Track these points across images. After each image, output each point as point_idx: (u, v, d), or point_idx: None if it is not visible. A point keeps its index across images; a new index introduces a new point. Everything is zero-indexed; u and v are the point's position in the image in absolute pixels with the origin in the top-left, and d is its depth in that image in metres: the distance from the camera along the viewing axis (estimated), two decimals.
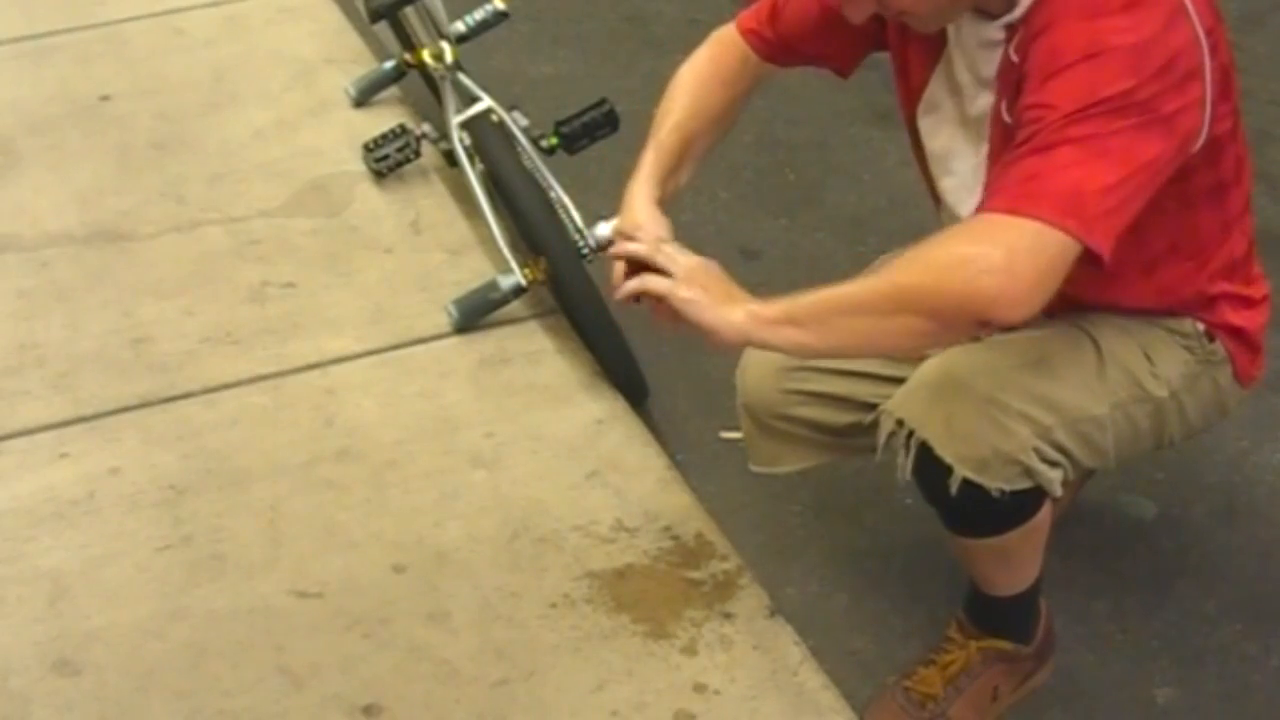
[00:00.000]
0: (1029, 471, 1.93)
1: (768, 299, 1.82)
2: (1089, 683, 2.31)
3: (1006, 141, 1.81)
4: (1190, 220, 1.95)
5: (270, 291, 3.01)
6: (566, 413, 2.71)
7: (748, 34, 2.15)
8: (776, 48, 2.14)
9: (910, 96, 2.05)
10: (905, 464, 1.99)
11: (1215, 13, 1.83)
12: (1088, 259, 1.72)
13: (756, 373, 2.21)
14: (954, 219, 2.00)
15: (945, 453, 1.93)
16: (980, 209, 1.74)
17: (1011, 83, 1.83)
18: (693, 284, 1.86)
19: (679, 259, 1.91)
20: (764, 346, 1.86)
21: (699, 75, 2.15)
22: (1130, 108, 1.71)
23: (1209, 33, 1.79)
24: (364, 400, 2.75)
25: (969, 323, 1.72)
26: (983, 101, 1.93)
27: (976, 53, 1.90)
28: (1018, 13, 1.82)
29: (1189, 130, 1.79)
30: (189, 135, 3.49)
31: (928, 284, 1.73)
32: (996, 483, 1.92)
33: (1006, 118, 1.85)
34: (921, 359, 2.04)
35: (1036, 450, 1.92)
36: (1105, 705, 2.29)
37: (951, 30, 1.94)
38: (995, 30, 1.86)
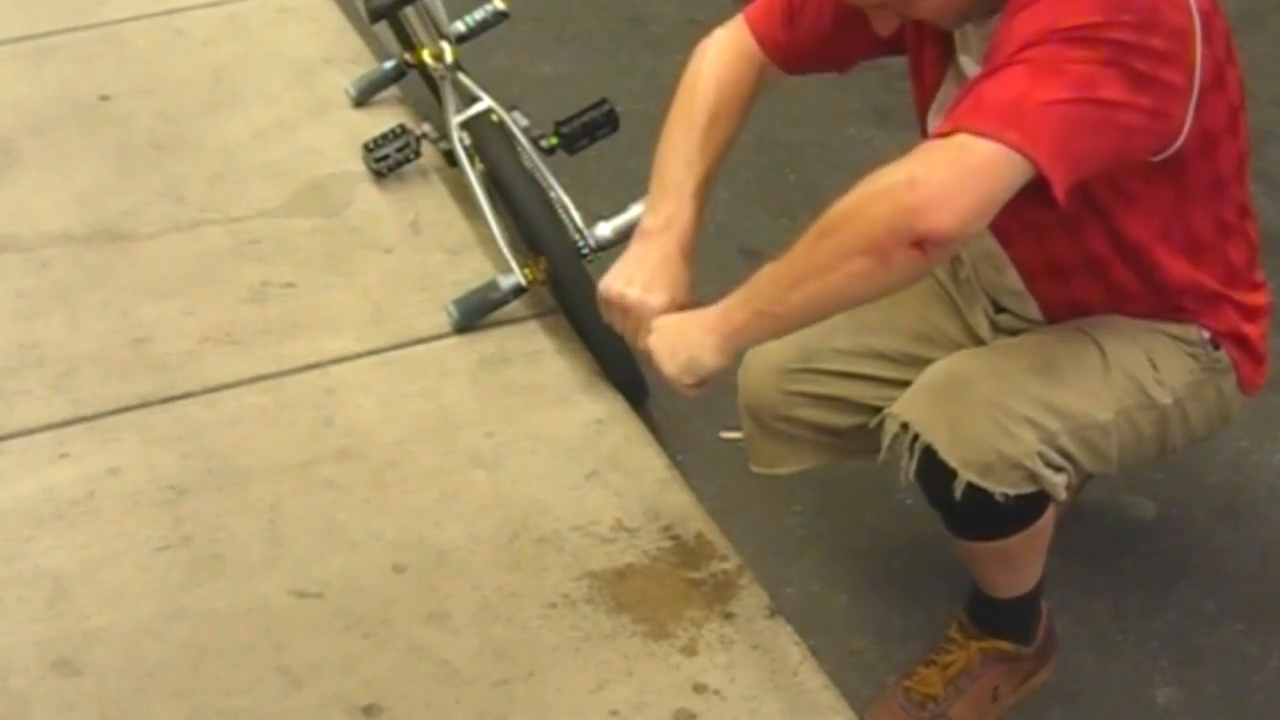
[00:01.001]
0: (1033, 476, 1.93)
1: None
2: (1089, 683, 2.31)
3: None
4: (1187, 216, 1.93)
5: (270, 291, 3.01)
6: (566, 413, 2.71)
7: (766, 42, 2.09)
8: (793, 55, 2.10)
9: (924, 96, 2.04)
10: (909, 467, 1.98)
11: (1213, 1, 1.82)
12: (1041, 193, 1.66)
13: (758, 373, 2.21)
14: None
15: (950, 457, 1.92)
16: None
17: None
18: (657, 342, 1.97)
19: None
20: (743, 347, 1.95)
21: (723, 98, 2.10)
22: (1095, 42, 1.66)
23: (1205, 19, 1.77)
24: (364, 400, 2.75)
25: (904, 245, 1.68)
26: None
27: (984, 48, 1.89)
28: None
29: (1160, 109, 1.74)
30: (189, 135, 3.49)
31: (857, 218, 1.73)
32: (1001, 487, 1.92)
33: None
34: (926, 362, 2.04)
35: (1041, 455, 1.92)
36: (1105, 705, 2.29)
37: (957, 32, 1.93)
38: (999, 21, 1.84)
